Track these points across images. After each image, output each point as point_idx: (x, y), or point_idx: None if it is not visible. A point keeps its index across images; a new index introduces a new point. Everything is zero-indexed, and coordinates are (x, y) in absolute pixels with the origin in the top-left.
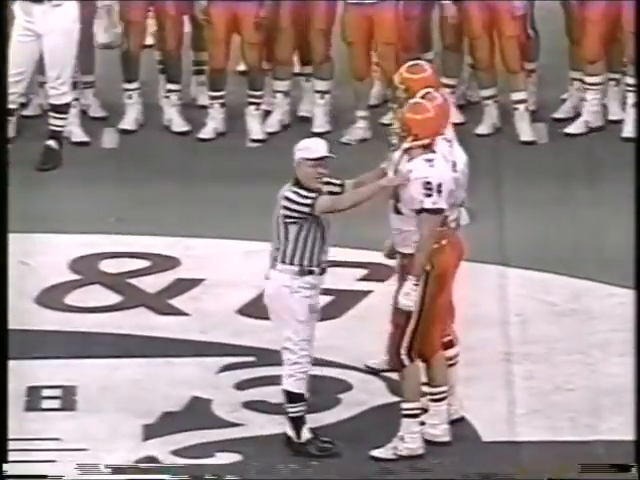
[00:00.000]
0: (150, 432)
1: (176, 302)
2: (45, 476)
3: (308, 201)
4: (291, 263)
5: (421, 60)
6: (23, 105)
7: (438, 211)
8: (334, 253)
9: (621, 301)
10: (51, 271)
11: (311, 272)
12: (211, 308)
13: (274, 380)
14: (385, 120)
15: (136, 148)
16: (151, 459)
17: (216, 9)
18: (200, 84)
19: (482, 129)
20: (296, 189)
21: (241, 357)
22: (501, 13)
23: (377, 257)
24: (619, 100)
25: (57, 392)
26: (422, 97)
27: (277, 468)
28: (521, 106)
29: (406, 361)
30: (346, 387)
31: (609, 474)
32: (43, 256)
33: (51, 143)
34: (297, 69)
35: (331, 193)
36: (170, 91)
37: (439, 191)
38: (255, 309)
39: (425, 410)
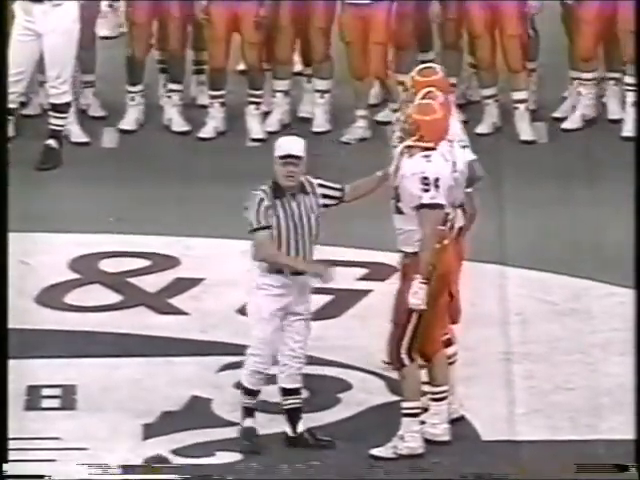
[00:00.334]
0: (150, 431)
1: (176, 301)
2: (45, 476)
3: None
4: (260, 260)
5: (417, 59)
6: (23, 104)
7: (437, 206)
8: (334, 252)
9: (621, 300)
10: (51, 270)
11: (279, 271)
12: (211, 307)
13: (274, 379)
14: (380, 118)
15: (136, 148)
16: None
17: (216, 8)
18: (200, 83)
19: (482, 128)
20: (264, 188)
21: (241, 356)
22: (503, 12)
23: (377, 256)
24: (619, 99)
25: (57, 391)
26: (423, 96)
27: (277, 467)
28: (521, 105)
29: (406, 360)
30: (346, 386)
31: (609, 474)
32: (43, 255)
33: (51, 142)
34: (298, 69)
35: (330, 197)
36: (172, 91)
37: (437, 186)
38: None
39: (425, 409)
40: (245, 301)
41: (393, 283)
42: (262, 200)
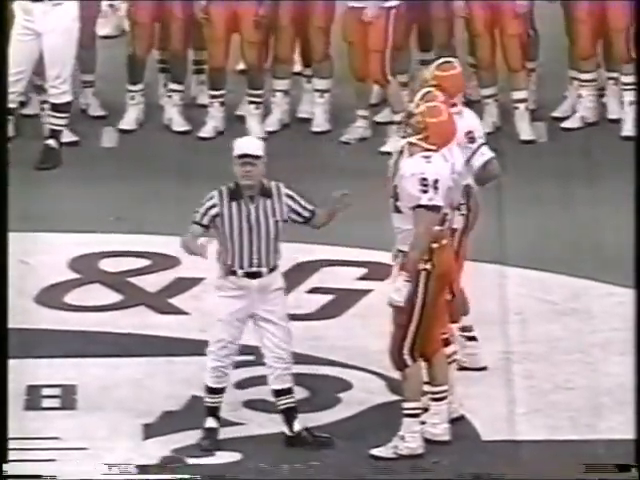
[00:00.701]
0: (150, 431)
1: (176, 301)
2: (45, 476)
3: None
4: (218, 261)
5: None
6: (23, 104)
7: (434, 208)
8: (334, 252)
9: (621, 300)
10: (51, 270)
11: (232, 272)
12: (211, 307)
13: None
14: (379, 118)
15: (136, 147)
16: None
17: (216, 8)
18: (200, 83)
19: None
20: (222, 188)
21: (240, 356)
22: (504, 11)
23: (377, 256)
24: (618, 99)
25: (57, 391)
26: (422, 97)
27: (277, 467)
28: (521, 105)
29: (409, 361)
30: (346, 386)
31: (609, 474)
32: (43, 255)
33: (51, 142)
34: (297, 69)
35: (298, 214)
36: (173, 91)
37: (435, 187)
38: None
39: (425, 409)
40: None
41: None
42: (211, 198)
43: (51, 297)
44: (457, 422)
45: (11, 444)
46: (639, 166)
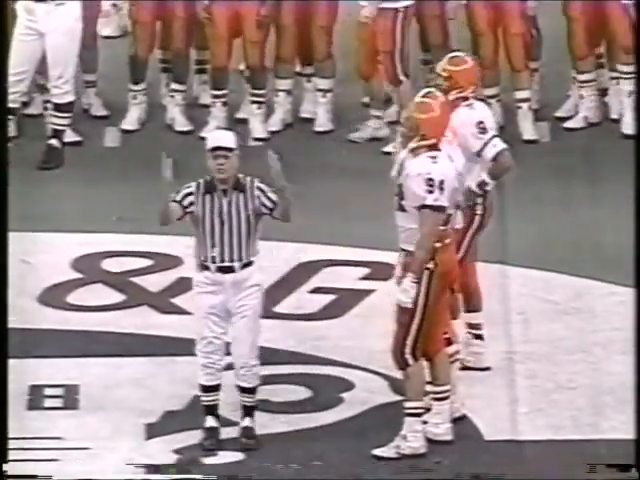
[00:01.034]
0: (152, 431)
1: (178, 301)
2: (46, 476)
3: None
4: (195, 256)
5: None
6: (25, 104)
7: (439, 208)
8: (337, 252)
9: (622, 299)
10: (53, 270)
11: (205, 268)
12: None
13: (275, 379)
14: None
15: (138, 147)
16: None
17: (218, 8)
18: (202, 83)
19: None
20: (200, 181)
21: None
22: (507, 11)
23: (380, 256)
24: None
25: (59, 391)
26: (423, 96)
27: (279, 467)
28: (524, 105)
29: (410, 360)
30: (348, 386)
31: (609, 474)
32: (45, 255)
33: (53, 142)
34: (297, 69)
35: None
36: (175, 91)
37: (441, 188)
38: None
39: (428, 409)
40: None
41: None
42: (189, 187)
43: (54, 297)
44: (459, 422)
45: (13, 444)
46: (639, 166)
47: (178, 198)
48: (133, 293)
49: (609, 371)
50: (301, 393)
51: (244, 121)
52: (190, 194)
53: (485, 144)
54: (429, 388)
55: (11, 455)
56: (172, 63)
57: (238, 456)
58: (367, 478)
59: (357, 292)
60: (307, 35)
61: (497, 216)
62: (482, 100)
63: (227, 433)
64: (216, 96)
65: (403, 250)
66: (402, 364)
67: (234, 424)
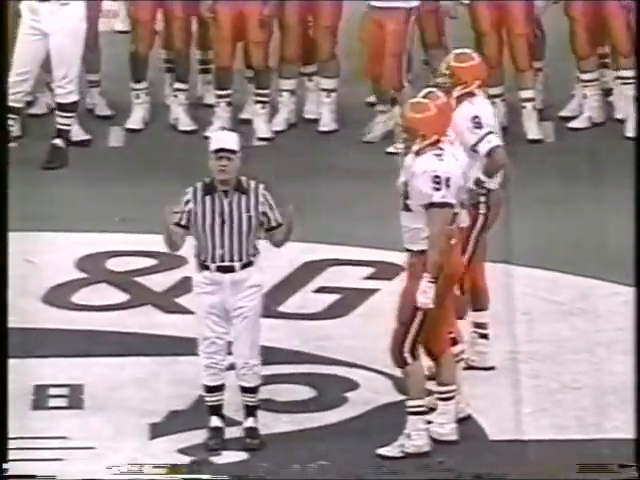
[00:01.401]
0: (156, 431)
1: (183, 300)
2: (46, 476)
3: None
4: (195, 256)
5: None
6: (29, 104)
7: (447, 205)
8: (341, 251)
9: (626, 299)
10: (57, 270)
11: (205, 267)
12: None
13: (279, 378)
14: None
15: (142, 147)
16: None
17: (222, 8)
18: (206, 83)
19: None
20: (197, 185)
21: None
22: (511, 11)
23: (384, 255)
24: (625, 99)
25: (64, 391)
26: (424, 97)
27: (284, 466)
28: (529, 104)
29: (409, 359)
30: (352, 386)
31: (609, 473)
32: (49, 255)
33: (57, 142)
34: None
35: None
36: (178, 90)
37: (447, 185)
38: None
39: (432, 409)
40: None
41: (400, 282)
42: (186, 194)
43: (58, 297)
44: (464, 422)
45: (17, 443)
46: (639, 166)
47: (177, 220)
48: (137, 293)
49: (613, 371)
50: (305, 393)
51: (248, 121)
52: (187, 202)
53: (480, 139)
54: (434, 388)
55: (15, 455)
56: (174, 62)
57: (242, 456)
58: (371, 478)
59: (361, 292)
60: (309, 35)
61: (502, 216)
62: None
63: (231, 433)
64: (220, 96)
65: (407, 250)
66: (400, 363)
67: (238, 424)
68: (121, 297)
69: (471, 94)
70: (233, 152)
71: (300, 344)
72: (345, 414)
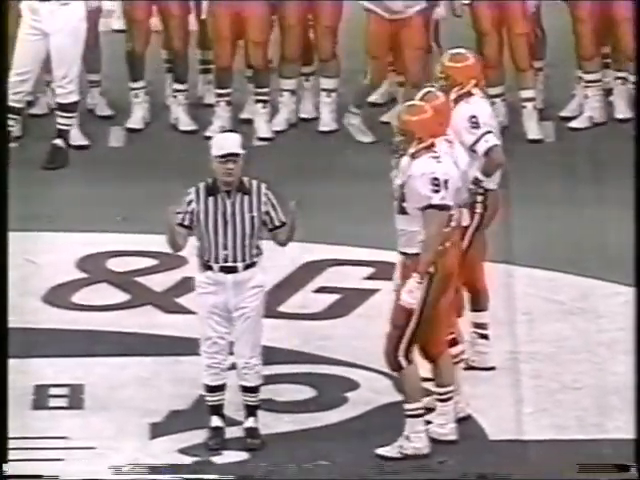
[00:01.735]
0: (157, 430)
1: (183, 300)
2: (46, 476)
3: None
4: (197, 256)
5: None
6: (30, 104)
7: (445, 207)
8: (342, 252)
9: (627, 299)
10: (58, 270)
11: (208, 267)
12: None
13: (280, 378)
14: (386, 118)
15: (143, 147)
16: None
17: (220, 8)
18: (207, 83)
19: None
20: (199, 186)
21: None
22: (511, 10)
23: (384, 256)
24: (626, 99)
25: (64, 390)
26: (422, 97)
27: (284, 466)
28: (529, 104)
29: (404, 363)
30: (353, 386)
31: (609, 474)
32: (50, 254)
33: (58, 142)
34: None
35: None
36: (177, 90)
37: (446, 187)
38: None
39: (431, 409)
40: None
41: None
42: (189, 194)
43: (58, 297)
44: (464, 422)
45: (18, 443)
46: (639, 167)
47: (180, 220)
48: (138, 293)
49: (614, 371)
50: (306, 393)
51: (248, 121)
52: (190, 202)
53: (477, 139)
54: (433, 389)
55: (16, 455)
56: (172, 62)
57: (243, 456)
58: (372, 478)
59: (362, 292)
60: (309, 35)
61: (502, 216)
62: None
63: (231, 432)
64: (220, 95)
65: (403, 254)
66: (395, 366)
67: (239, 423)
68: (121, 297)
69: (468, 94)
70: (238, 155)
71: (300, 344)
72: (345, 414)
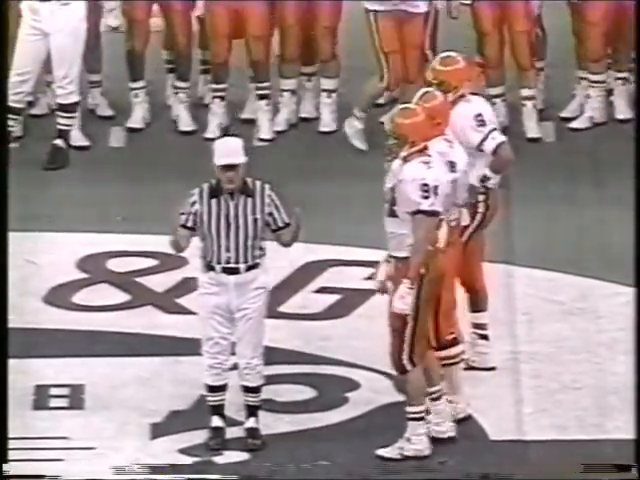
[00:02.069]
0: (157, 431)
1: (183, 301)
2: (47, 476)
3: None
4: (201, 257)
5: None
6: (30, 104)
7: (434, 213)
8: (342, 252)
9: (627, 300)
10: (58, 270)
11: (210, 268)
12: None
13: (280, 379)
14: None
15: (143, 147)
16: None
17: (218, 6)
18: (207, 83)
19: None
20: (203, 187)
21: None
22: (512, 9)
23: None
24: (626, 99)
25: (65, 391)
26: (420, 97)
27: (285, 467)
28: (529, 103)
29: (408, 366)
30: (353, 386)
31: (609, 474)
32: (51, 255)
33: (58, 142)
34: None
35: (275, 224)
36: (178, 88)
37: (436, 193)
38: None
39: (427, 411)
40: None
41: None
42: (192, 196)
43: (59, 297)
44: (465, 422)
45: (18, 444)
46: (639, 166)
47: (183, 222)
48: (138, 293)
49: (614, 371)
50: (306, 393)
51: (249, 121)
52: (194, 204)
53: (484, 137)
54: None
55: (16, 455)
56: (175, 61)
57: (244, 456)
58: (373, 478)
59: (362, 292)
60: (309, 35)
61: (502, 216)
62: (481, 96)
63: (232, 433)
64: (216, 90)
65: (392, 257)
66: (400, 369)
67: (239, 424)
68: (122, 297)
69: (463, 95)
70: (240, 164)
71: (301, 344)
72: (346, 414)
